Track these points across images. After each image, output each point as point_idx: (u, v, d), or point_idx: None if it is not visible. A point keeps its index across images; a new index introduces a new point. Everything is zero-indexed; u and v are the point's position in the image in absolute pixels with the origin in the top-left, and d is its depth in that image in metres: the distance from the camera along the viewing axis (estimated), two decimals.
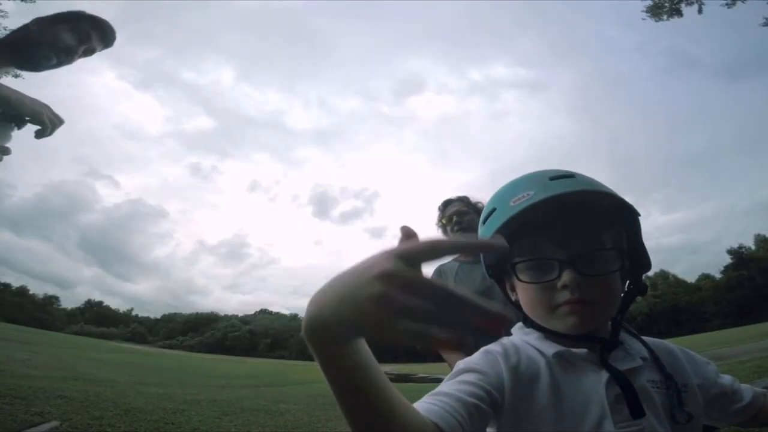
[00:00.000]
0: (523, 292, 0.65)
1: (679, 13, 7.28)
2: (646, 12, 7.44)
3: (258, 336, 79.68)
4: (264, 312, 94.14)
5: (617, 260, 0.61)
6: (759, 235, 55.67)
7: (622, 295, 0.65)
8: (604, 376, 0.58)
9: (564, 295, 0.59)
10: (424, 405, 0.50)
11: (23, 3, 6.99)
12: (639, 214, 0.64)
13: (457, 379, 0.57)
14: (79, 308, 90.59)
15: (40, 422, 3.65)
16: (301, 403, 7.34)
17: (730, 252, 57.19)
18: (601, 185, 0.63)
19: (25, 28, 1.21)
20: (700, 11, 7.04)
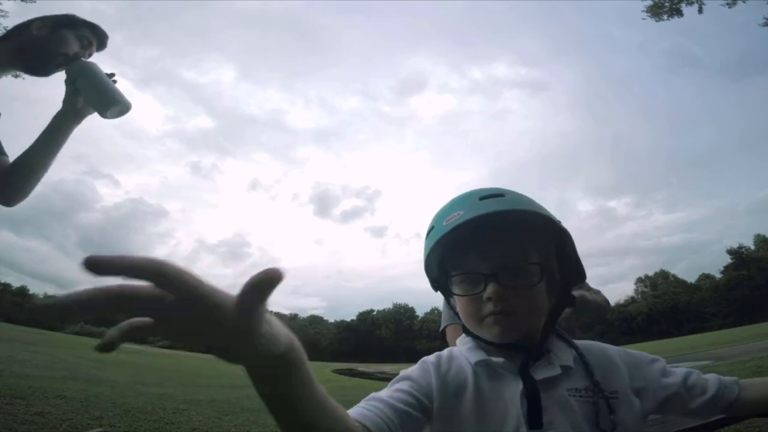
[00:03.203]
0: (459, 304, 0.70)
1: (679, 12, 7.29)
2: (646, 12, 7.45)
3: None
4: None
5: (539, 274, 0.64)
6: (759, 235, 55.77)
7: (552, 306, 0.68)
8: (521, 385, 0.61)
9: (489, 307, 0.64)
10: (358, 409, 0.56)
11: (23, 3, 6.99)
12: (567, 231, 0.68)
13: (392, 387, 0.63)
14: None
15: (41, 421, 3.66)
16: None
17: (729, 252, 57.28)
18: (530, 203, 0.67)
19: (27, 31, 1.21)
20: (700, 11, 7.04)
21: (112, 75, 1.24)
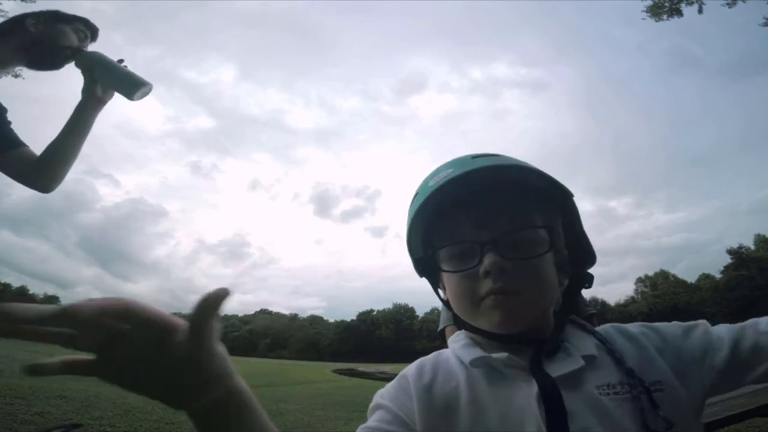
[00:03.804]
0: (449, 285, 0.56)
1: (679, 12, 7.28)
2: (646, 12, 7.45)
3: (258, 336, 79.76)
4: (264, 312, 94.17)
5: (548, 241, 0.52)
6: (759, 235, 55.77)
7: (564, 288, 0.56)
8: (536, 387, 0.47)
9: (487, 284, 0.50)
10: None
11: (23, 2, 6.98)
12: (572, 195, 0.55)
13: (366, 425, 0.52)
14: None
15: (41, 421, 3.65)
16: (301, 403, 7.35)
17: (729, 252, 57.24)
18: (530, 165, 0.55)
19: (22, 27, 1.22)
20: (700, 11, 7.03)
21: (121, 61, 1.28)
